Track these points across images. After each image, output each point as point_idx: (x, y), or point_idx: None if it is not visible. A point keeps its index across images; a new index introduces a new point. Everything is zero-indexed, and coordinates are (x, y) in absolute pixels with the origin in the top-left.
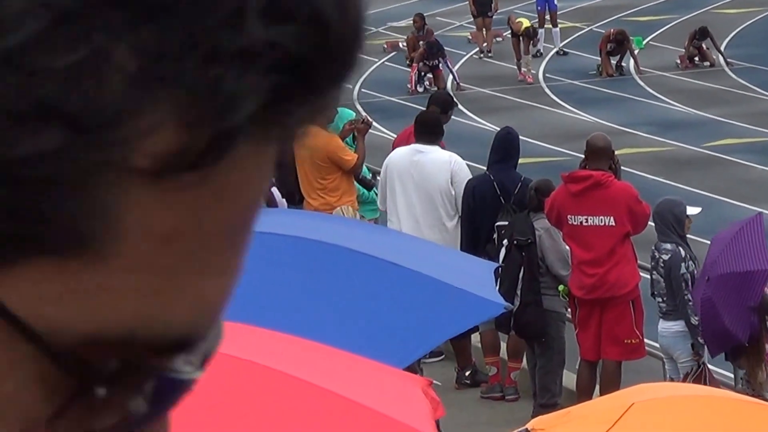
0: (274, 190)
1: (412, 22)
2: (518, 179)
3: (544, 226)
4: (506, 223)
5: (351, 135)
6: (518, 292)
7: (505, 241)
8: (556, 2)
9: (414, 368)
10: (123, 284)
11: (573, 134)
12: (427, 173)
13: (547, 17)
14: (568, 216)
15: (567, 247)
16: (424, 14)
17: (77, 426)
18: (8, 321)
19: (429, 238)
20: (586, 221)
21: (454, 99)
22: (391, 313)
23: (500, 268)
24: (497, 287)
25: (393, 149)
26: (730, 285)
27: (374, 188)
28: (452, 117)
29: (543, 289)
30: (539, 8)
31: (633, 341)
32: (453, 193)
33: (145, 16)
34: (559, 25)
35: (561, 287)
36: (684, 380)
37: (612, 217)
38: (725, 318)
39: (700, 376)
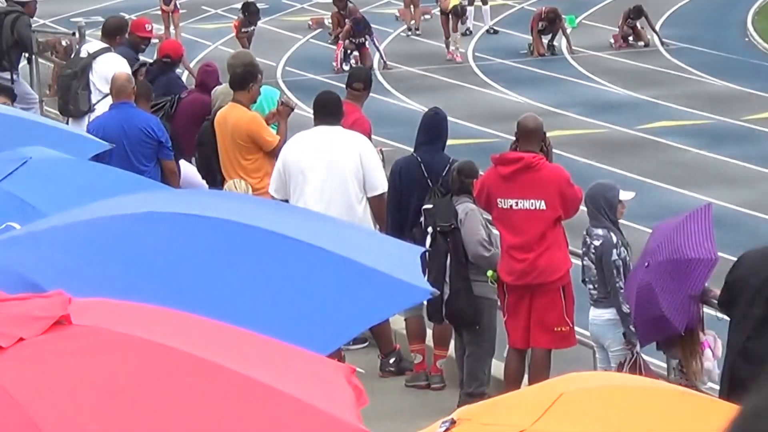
0: (192, 169)
1: (332, 2)
2: (447, 161)
3: (467, 210)
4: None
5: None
6: (447, 280)
7: (429, 228)
8: None
9: (337, 355)
10: None
11: (503, 115)
12: (337, 156)
13: None
14: (498, 199)
15: (484, 231)
16: None
17: None
18: None
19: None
20: (516, 204)
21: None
22: (313, 298)
23: (427, 256)
24: (425, 277)
25: None
26: (672, 271)
27: None
28: (379, 96)
29: (473, 275)
30: None
31: (563, 329)
32: (362, 174)
33: None
34: (490, 3)
35: (490, 273)
36: (619, 370)
37: (542, 201)
38: (663, 305)
39: (635, 365)
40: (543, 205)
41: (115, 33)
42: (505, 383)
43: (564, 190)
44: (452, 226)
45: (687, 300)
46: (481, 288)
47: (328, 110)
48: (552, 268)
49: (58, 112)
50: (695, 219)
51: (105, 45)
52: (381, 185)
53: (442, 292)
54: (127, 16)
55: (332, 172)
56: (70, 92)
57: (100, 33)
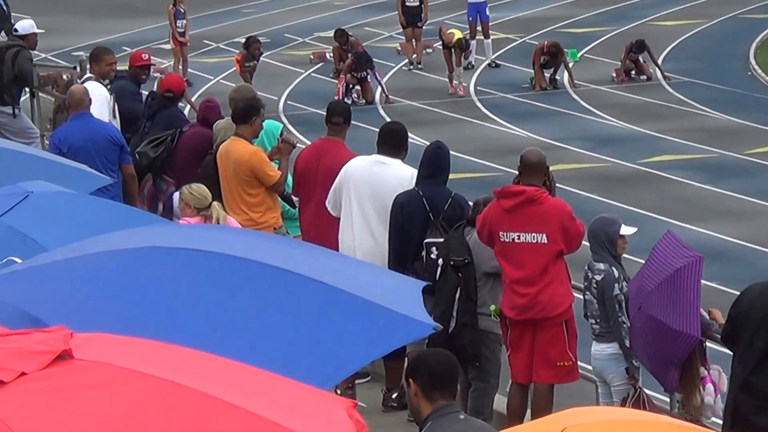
0: None
1: (333, 36)
2: (448, 195)
3: (476, 240)
4: (435, 240)
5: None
6: (454, 314)
7: (440, 261)
8: (487, 13)
9: (347, 387)
10: None
11: (505, 149)
12: (386, 187)
13: (479, 28)
14: (500, 233)
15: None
16: (353, 24)
17: None
18: None
19: (384, 253)
20: (518, 238)
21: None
22: (316, 333)
23: (434, 289)
24: (432, 309)
25: (297, 163)
26: (657, 334)
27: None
28: None
29: (478, 308)
30: (470, 19)
31: (566, 363)
32: None
33: None
34: (492, 37)
35: (493, 307)
36: (623, 405)
37: (544, 235)
38: (648, 361)
39: (638, 400)
40: (545, 239)
41: (92, 60)
42: (507, 418)
43: (566, 224)
44: (466, 261)
45: (669, 365)
46: (487, 322)
47: (389, 140)
48: (554, 303)
49: None
50: (687, 278)
51: (89, 75)
52: None
53: (448, 325)
54: (128, 50)
55: (379, 207)
56: (55, 125)
57: None
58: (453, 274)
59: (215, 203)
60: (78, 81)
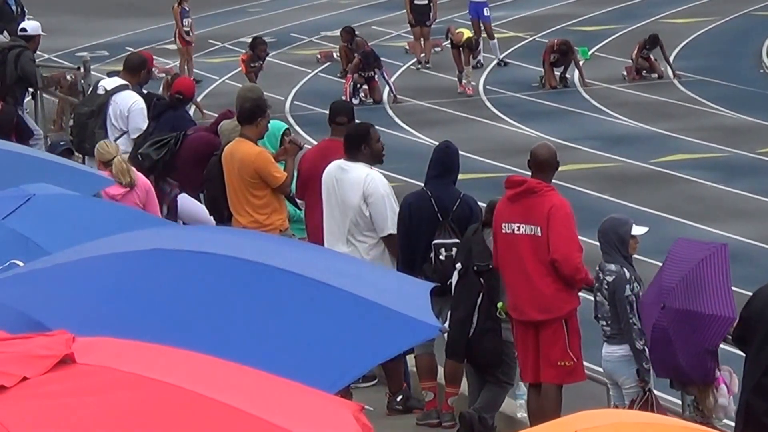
0: (199, 205)
1: (339, 35)
2: (457, 195)
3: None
4: (445, 241)
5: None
6: (474, 320)
7: (458, 265)
8: (486, 13)
9: (345, 393)
10: None
11: (514, 149)
12: (346, 192)
13: (482, 26)
14: (502, 224)
15: None
16: (361, 22)
17: None
18: None
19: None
20: (518, 229)
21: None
22: (322, 335)
23: (443, 291)
24: (442, 311)
25: (302, 164)
26: (689, 324)
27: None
28: (389, 130)
29: (502, 318)
30: (471, 17)
31: (567, 364)
32: (367, 213)
33: None
34: (501, 35)
35: (500, 304)
36: (630, 407)
37: (539, 228)
38: (681, 356)
39: (646, 402)
40: (539, 232)
41: (140, 68)
42: (530, 419)
43: (555, 221)
44: (490, 267)
45: (705, 354)
46: (508, 333)
47: (346, 145)
48: (555, 307)
49: None
50: (713, 265)
51: (123, 82)
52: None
53: (468, 330)
54: (132, 51)
55: (343, 214)
56: (86, 131)
57: (106, 67)
58: (475, 279)
59: (117, 159)
60: (83, 83)
